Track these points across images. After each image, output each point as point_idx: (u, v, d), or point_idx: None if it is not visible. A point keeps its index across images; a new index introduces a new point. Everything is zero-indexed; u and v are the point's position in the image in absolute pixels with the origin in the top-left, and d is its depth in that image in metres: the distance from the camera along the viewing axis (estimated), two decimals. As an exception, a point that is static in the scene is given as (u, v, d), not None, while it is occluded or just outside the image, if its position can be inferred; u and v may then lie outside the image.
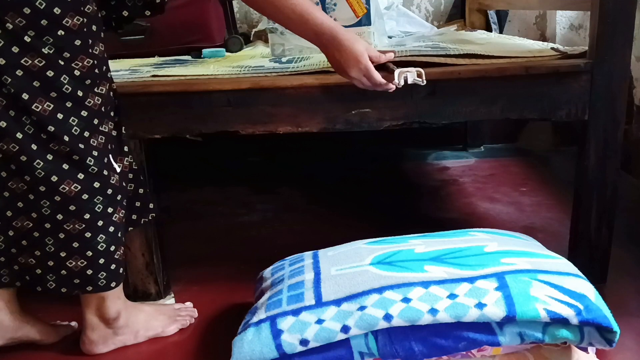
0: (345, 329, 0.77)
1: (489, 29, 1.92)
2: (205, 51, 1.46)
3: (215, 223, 1.62)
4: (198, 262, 1.36)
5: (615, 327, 0.75)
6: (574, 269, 0.84)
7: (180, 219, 1.62)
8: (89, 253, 0.91)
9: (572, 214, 1.15)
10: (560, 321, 0.75)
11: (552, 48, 1.14)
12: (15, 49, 0.79)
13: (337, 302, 0.80)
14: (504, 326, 0.76)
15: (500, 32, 1.97)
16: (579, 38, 1.97)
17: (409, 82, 0.94)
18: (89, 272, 0.92)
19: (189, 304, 1.14)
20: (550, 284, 0.78)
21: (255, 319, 0.83)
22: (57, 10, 0.80)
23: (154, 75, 1.10)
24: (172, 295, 1.19)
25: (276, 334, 0.79)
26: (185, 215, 1.66)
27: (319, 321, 0.78)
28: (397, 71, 0.95)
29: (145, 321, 1.04)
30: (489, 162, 2.04)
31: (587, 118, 1.04)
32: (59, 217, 0.88)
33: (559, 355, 0.80)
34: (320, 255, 0.95)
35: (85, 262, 0.91)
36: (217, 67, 1.19)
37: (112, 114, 0.94)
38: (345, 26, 1.29)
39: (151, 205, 1.07)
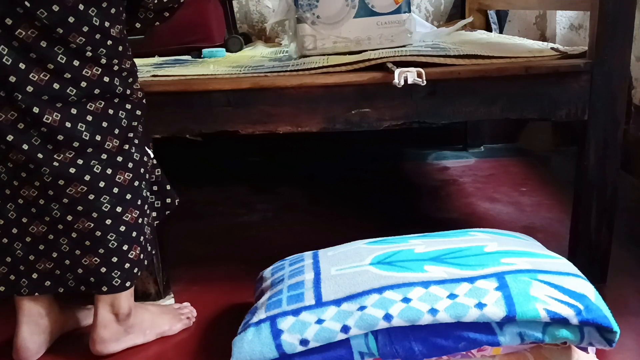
0: (345, 329, 0.77)
1: (489, 29, 1.92)
2: (205, 51, 1.46)
3: (215, 223, 1.62)
4: (198, 262, 1.36)
5: (615, 327, 0.75)
6: (574, 269, 0.84)
7: (180, 219, 1.62)
8: (101, 250, 0.93)
9: (572, 214, 1.15)
10: (560, 321, 0.75)
11: (552, 48, 1.14)
12: (76, 63, 0.86)
13: (337, 302, 0.80)
14: (504, 326, 0.76)
15: (500, 32, 1.97)
16: (579, 38, 1.97)
17: (409, 82, 0.94)
18: (103, 269, 0.94)
19: (186, 304, 1.14)
20: (550, 284, 0.78)
21: (255, 319, 0.83)
22: (107, 24, 0.88)
23: (154, 75, 1.10)
24: (172, 295, 1.19)
25: (276, 334, 0.79)
26: (185, 215, 1.65)
27: (319, 321, 0.78)
28: (397, 71, 0.95)
29: (152, 320, 1.05)
30: (489, 162, 2.04)
31: (587, 118, 1.04)
32: (79, 215, 0.91)
33: (559, 355, 0.80)
34: (320, 255, 0.95)
35: (99, 260, 0.93)
36: (217, 67, 1.19)
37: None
38: (384, 13, 1.21)
39: (172, 189, 1.10)
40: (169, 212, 1.09)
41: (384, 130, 1.09)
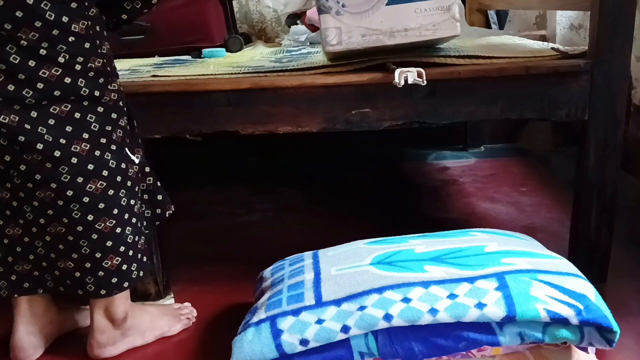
0: (345, 329, 0.77)
1: (489, 29, 1.91)
2: (205, 51, 1.46)
3: (215, 223, 1.62)
4: (198, 262, 1.36)
5: (615, 327, 0.75)
6: (574, 269, 0.84)
7: (180, 219, 1.61)
8: (74, 255, 0.91)
9: (572, 214, 1.15)
10: (560, 321, 0.75)
11: (552, 48, 1.14)
12: (32, 63, 0.81)
13: (337, 302, 0.80)
14: (504, 326, 0.76)
15: (500, 32, 1.97)
16: (579, 38, 1.97)
17: (409, 82, 0.94)
18: (77, 274, 0.93)
19: (186, 304, 1.13)
20: (550, 284, 0.78)
21: (255, 319, 0.83)
22: (65, 19, 0.82)
23: (154, 75, 1.10)
24: (172, 295, 1.19)
25: (276, 334, 0.79)
26: (185, 215, 1.65)
27: (319, 321, 0.78)
28: (397, 71, 0.95)
29: (151, 321, 1.04)
30: (489, 162, 2.04)
31: (587, 118, 1.04)
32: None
33: (559, 355, 0.80)
34: (320, 255, 0.95)
35: (73, 264, 0.92)
36: (217, 67, 1.19)
37: (125, 108, 0.95)
38: None
39: (166, 197, 1.07)
40: (158, 222, 1.06)
41: (384, 130, 1.09)
